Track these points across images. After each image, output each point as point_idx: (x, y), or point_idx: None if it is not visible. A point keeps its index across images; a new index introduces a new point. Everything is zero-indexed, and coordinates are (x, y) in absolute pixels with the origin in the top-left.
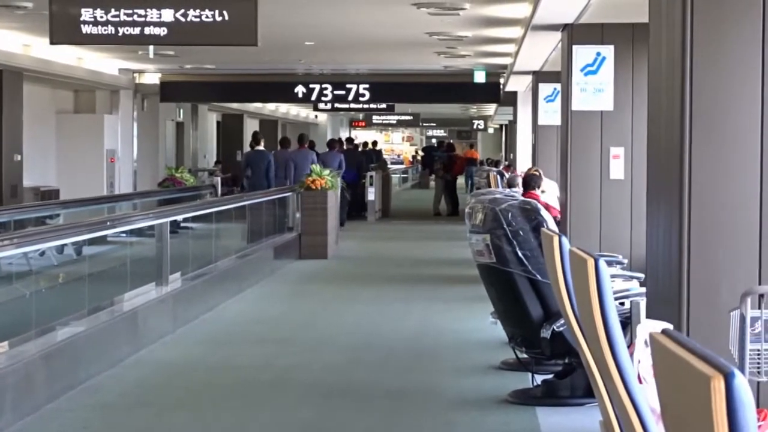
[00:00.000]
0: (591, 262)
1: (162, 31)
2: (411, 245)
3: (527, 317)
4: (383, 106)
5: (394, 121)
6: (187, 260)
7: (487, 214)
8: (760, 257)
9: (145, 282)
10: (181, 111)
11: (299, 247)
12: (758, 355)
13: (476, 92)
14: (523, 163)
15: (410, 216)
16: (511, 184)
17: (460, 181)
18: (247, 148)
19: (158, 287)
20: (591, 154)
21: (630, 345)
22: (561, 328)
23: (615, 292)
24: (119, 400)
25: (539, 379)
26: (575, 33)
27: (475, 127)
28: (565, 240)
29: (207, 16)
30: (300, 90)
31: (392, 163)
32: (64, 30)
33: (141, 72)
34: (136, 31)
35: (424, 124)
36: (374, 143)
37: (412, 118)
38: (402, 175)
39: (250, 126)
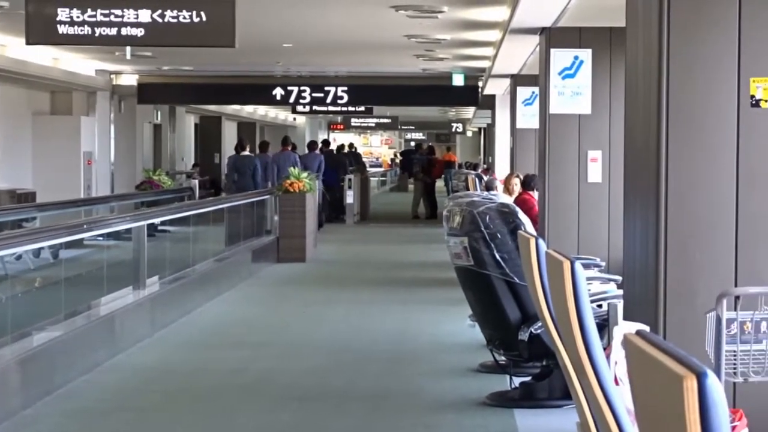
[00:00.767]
0: (567, 264)
1: (139, 32)
2: (389, 248)
3: (505, 320)
4: (362, 108)
5: (373, 124)
6: (165, 263)
7: (465, 216)
8: (736, 259)
9: (122, 286)
10: (159, 113)
11: (277, 250)
12: (734, 356)
13: (454, 95)
14: (502, 166)
15: (389, 219)
16: (489, 187)
17: (439, 184)
18: (226, 151)
19: (136, 291)
20: (569, 157)
21: (607, 347)
22: (538, 331)
23: (592, 295)
24: (96, 405)
25: (517, 381)
26: (553, 36)
27: (453, 130)
28: (541, 242)
29: (185, 17)
30: (278, 92)
31: (371, 166)
32: (40, 30)
33: (118, 73)
34: (113, 31)
35: (403, 127)
36: (351, 145)
37: (390, 120)
38: (381, 178)
39: (228, 128)
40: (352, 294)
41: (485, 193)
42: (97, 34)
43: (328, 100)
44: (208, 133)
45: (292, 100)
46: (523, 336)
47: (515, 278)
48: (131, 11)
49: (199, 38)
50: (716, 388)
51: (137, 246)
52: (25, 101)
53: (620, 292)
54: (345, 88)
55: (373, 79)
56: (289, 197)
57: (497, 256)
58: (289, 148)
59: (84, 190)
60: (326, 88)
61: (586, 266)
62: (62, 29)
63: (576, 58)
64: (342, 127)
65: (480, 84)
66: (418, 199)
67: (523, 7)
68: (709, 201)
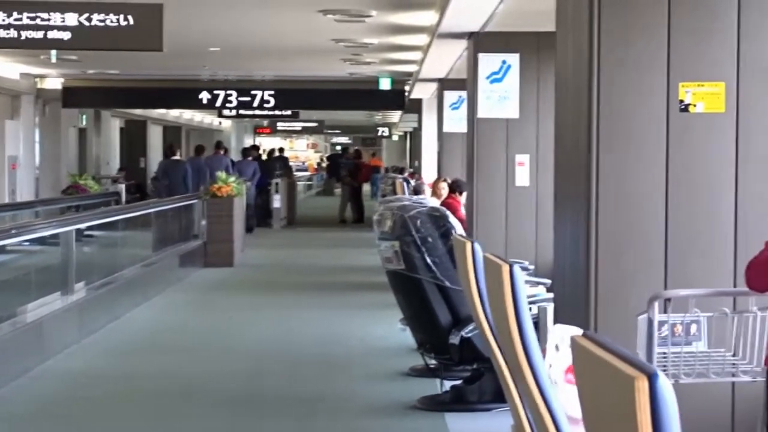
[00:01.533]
0: (506, 268)
1: (66, 36)
2: (317, 252)
3: (436, 323)
4: (288, 112)
5: (299, 128)
6: (93, 269)
7: (396, 220)
8: (666, 262)
9: (49, 291)
10: (84, 117)
11: (205, 254)
12: (665, 358)
13: (381, 99)
14: (429, 170)
15: (316, 223)
16: (417, 191)
17: (366, 188)
18: (152, 155)
19: (63, 296)
20: (496, 161)
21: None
22: (469, 334)
23: None
24: (25, 412)
25: (448, 384)
26: (481, 41)
27: (379, 134)
28: (477, 246)
29: (112, 21)
30: (204, 96)
31: (297, 170)
32: None
33: (43, 77)
34: (39, 35)
35: (329, 131)
36: (281, 150)
37: (317, 125)
38: (307, 183)
39: (154, 132)
40: (281, 299)
41: (414, 197)
42: (23, 38)
43: (255, 104)
44: (133, 137)
45: (218, 104)
46: (454, 339)
47: (446, 282)
48: (58, 15)
49: (127, 42)
50: (667, 387)
51: (65, 251)
52: None
53: (550, 295)
54: (272, 92)
55: (300, 83)
56: (216, 202)
57: (428, 260)
58: (222, 152)
59: (9, 194)
60: (253, 92)
61: None
62: None
63: (504, 62)
64: (268, 131)
65: (407, 88)
66: (345, 204)
67: (452, 11)
68: (639, 204)
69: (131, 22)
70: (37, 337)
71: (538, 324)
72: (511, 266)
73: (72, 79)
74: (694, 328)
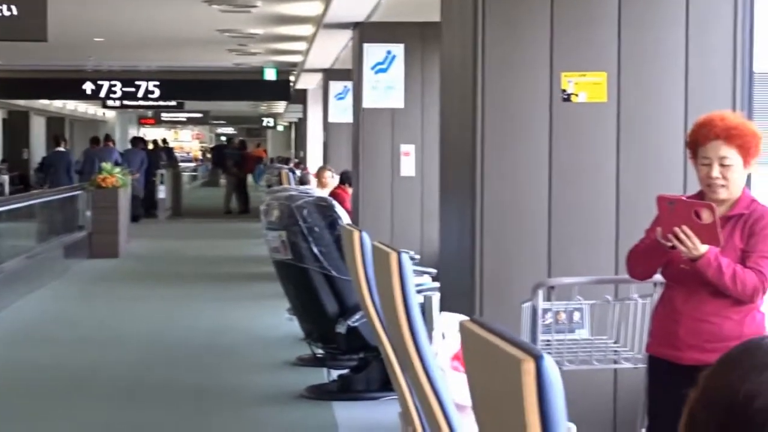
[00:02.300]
0: (394, 256)
1: None
2: (203, 243)
3: (323, 313)
4: (173, 103)
5: (184, 119)
6: None
7: (283, 210)
8: (550, 250)
9: None
10: None
11: (90, 245)
12: (549, 345)
13: (266, 90)
14: (314, 160)
15: (201, 214)
16: (303, 182)
17: (250, 179)
18: (34, 146)
19: None
20: (382, 151)
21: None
22: (356, 323)
23: None
24: None
25: (335, 374)
26: (366, 31)
27: (264, 124)
28: (366, 235)
29: None
30: (88, 87)
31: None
32: None
33: None
34: None
35: (214, 122)
36: (164, 141)
37: (202, 115)
38: (192, 173)
39: (36, 123)
40: (167, 289)
41: (301, 187)
42: None
43: (140, 95)
44: (15, 128)
45: (102, 94)
46: (341, 329)
47: (333, 271)
48: None
49: (10, 32)
50: (553, 370)
51: None
52: None
53: (436, 284)
54: (156, 83)
55: (185, 74)
56: (101, 192)
57: (315, 250)
58: (111, 144)
59: None
60: (137, 83)
61: None
62: None
63: (389, 52)
64: (153, 121)
65: (292, 78)
66: (231, 194)
67: (337, 2)
68: (523, 194)
69: (15, 12)
70: None
71: (424, 313)
72: (399, 254)
73: None
74: (577, 315)
